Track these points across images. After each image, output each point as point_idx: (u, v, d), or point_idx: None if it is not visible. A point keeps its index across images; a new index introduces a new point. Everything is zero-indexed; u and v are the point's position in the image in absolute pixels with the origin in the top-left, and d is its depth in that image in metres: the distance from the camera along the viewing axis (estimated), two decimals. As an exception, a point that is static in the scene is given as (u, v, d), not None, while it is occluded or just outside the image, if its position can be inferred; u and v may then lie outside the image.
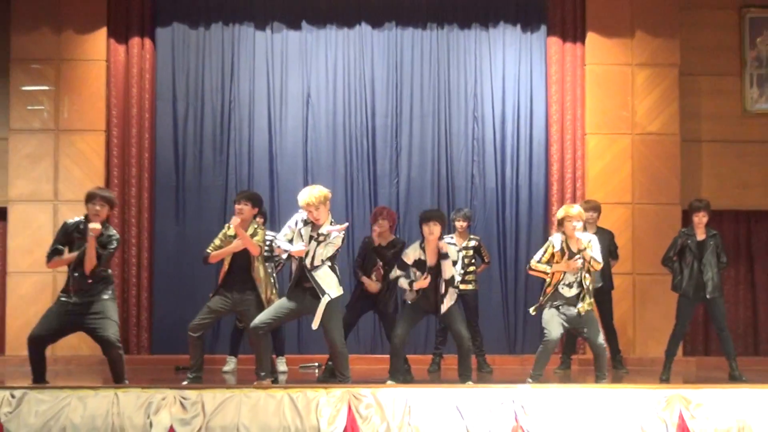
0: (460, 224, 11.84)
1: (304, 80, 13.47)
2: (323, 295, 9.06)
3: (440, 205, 13.22)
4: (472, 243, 11.87)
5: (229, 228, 9.96)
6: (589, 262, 9.50)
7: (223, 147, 13.38)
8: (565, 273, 9.51)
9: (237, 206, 9.83)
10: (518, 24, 13.61)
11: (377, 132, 13.47)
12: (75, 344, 12.20)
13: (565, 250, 9.52)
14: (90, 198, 9.19)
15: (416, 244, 9.86)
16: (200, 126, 13.38)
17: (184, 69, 13.42)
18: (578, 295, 9.51)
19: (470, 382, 9.58)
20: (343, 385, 8.76)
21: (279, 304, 9.33)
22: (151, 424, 8.29)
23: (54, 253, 9.19)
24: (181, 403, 8.38)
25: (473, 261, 11.85)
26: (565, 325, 9.63)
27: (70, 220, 9.30)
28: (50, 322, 9.14)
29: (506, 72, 13.55)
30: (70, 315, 9.08)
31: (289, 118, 13.44)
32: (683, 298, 10.90)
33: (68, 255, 9.14)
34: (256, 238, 9.75)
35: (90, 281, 9.09)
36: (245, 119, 13.41)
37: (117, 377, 9.18)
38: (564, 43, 13.42)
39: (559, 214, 9.68)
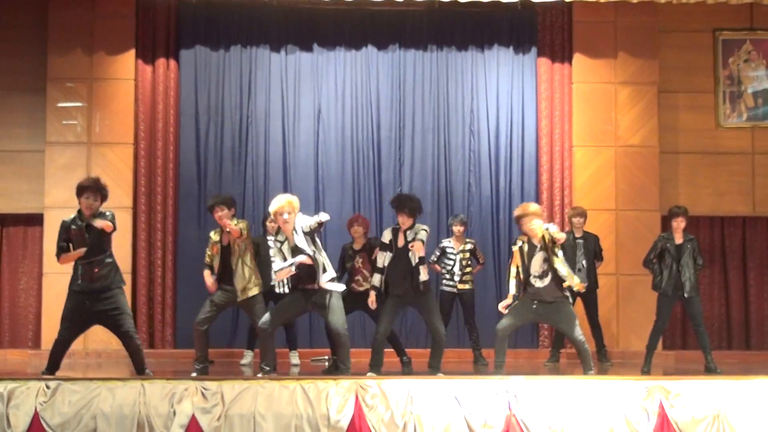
0: (457, 228, 11.81)
1: (315, 98, 13.43)
2: (329, 295, 9.10)
3: (439, 211, 13.25)
4: (469, 246, 11.83)
5: (215, 233, 9.91)
6: (552, 240, 9.34)
7: (242, 159, 13.33)
8: (530, 265, 9.37)
9: (216, 214, 9.73)
10: (511, 46, 13.57)
11: (382, 145, 13.42)
12: (105, 339, 12.16)
13: (525, 248, 9.46)
14: (81, 191, 9.04)
15: (389, 228, 9.88)
16: (220, 139, 13.34)
17: (206, 87, 13.38)
18: (554, 282, 9.38)
19: (441, 374, 9.52)
20: (351, 377, 8.73)
21: (282, 305, 9.34)
22: (174, 413, 8.27)
23: (61, 251, 9.08)
24: (203, 393, 8.35)
25: (470, 262, 11.81)
26: (539, 319, 9.59)
27: (67, 218, 9.15)
28: (74, 325, 9.11)
29: (500, 90, 13.51)
30: (88, 311, 9.02)
31: (301, 132, 13.40)
32: (663, 296, 10.86)
33: (75, 251, 9.00)
34: (240, 225, 9.72)
35: (96, 270, 9.00)
36: (261, 133, 13.36)
37: (138, 366, 9.17)
38: (553, 64, 13.40)
39: (516, 212, 9.64)
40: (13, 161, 13.08)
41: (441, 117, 13.47)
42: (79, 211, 9.09)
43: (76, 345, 12.40)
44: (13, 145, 13.09)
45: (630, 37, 13.14)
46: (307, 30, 13.46)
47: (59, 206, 12.59)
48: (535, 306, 9.43)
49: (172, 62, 13.28)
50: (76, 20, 12.81)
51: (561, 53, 13.37)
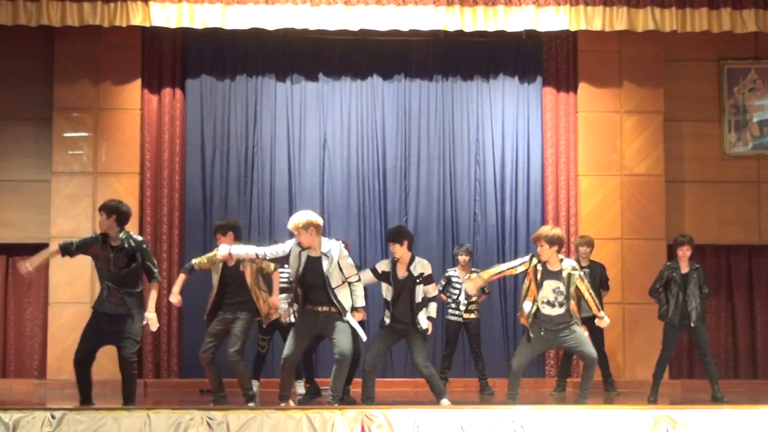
0: (462, 258, 11.85)
1: (320, 127, 13.50)
2: (345, 314, 9.08)
3: (445, 241, 13.30)
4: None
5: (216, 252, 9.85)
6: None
7: (247, 188, 13.40)
8: (540, 289, 9.15)
9: (222, 237, 9.83)
10: (516, 76, 13.65)
11: (388, 174, 13.48)
12: (111, 369, 12.09)
13: (539, 269, 9.19)
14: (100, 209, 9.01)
15: (388, 260, 9.85)
16: (226, 169, 13.40)
17: (212, 117, 13.45)
18: (565, 316, 9.14)
19: (446, 401, 9.64)
20: (357, 406, 8.73)
21: (295, 335, 9.24)
22: (180, 443, 8.26)
23: (64, 246, 8.93)
24: (208, 423, 8.33)
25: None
26: (550, 346, 9.48)
27: (95, 234, 9.04)
28: (88, 340, 9.02)
29: (505, 119, 13.58)
30: (103, 329, 8.90)
31: (307, 161, 13.46)
32: (669, 325, 10.88)
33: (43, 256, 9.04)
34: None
35: (120, 293, 8.89)
36: (267, 162, 13.43)
37: (126, 396, 9.02)
38: (558, 93, 13.45)
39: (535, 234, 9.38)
40: (19, 191, 13.14)
41: (446, 146, 13.52)
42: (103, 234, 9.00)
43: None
44: (19, 175, 13.17)
45: (635, 66, 13.20)
46: (312, 59, 13.55)
47: (65, 236, 12.53)
48: (543, 333, 9.23)
49: (178, 92, 13.36)
50: (83, 50, 12.89)
51: (566, 82, 13.44)
